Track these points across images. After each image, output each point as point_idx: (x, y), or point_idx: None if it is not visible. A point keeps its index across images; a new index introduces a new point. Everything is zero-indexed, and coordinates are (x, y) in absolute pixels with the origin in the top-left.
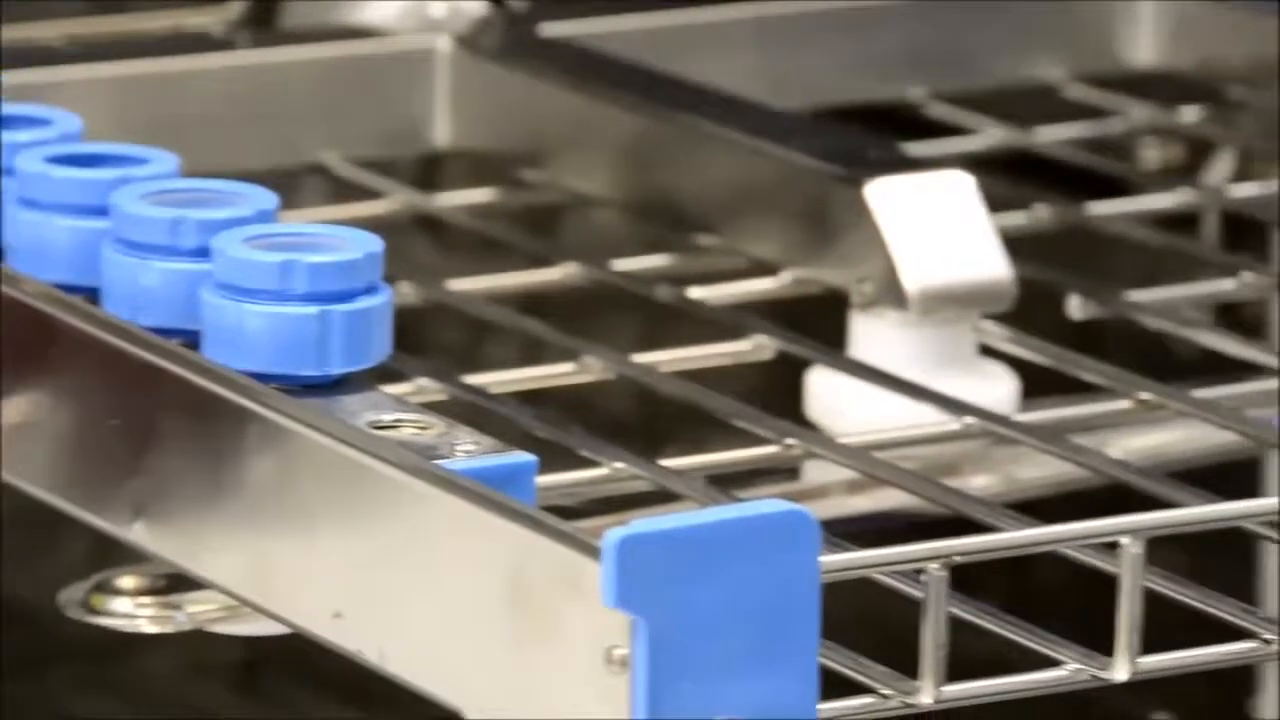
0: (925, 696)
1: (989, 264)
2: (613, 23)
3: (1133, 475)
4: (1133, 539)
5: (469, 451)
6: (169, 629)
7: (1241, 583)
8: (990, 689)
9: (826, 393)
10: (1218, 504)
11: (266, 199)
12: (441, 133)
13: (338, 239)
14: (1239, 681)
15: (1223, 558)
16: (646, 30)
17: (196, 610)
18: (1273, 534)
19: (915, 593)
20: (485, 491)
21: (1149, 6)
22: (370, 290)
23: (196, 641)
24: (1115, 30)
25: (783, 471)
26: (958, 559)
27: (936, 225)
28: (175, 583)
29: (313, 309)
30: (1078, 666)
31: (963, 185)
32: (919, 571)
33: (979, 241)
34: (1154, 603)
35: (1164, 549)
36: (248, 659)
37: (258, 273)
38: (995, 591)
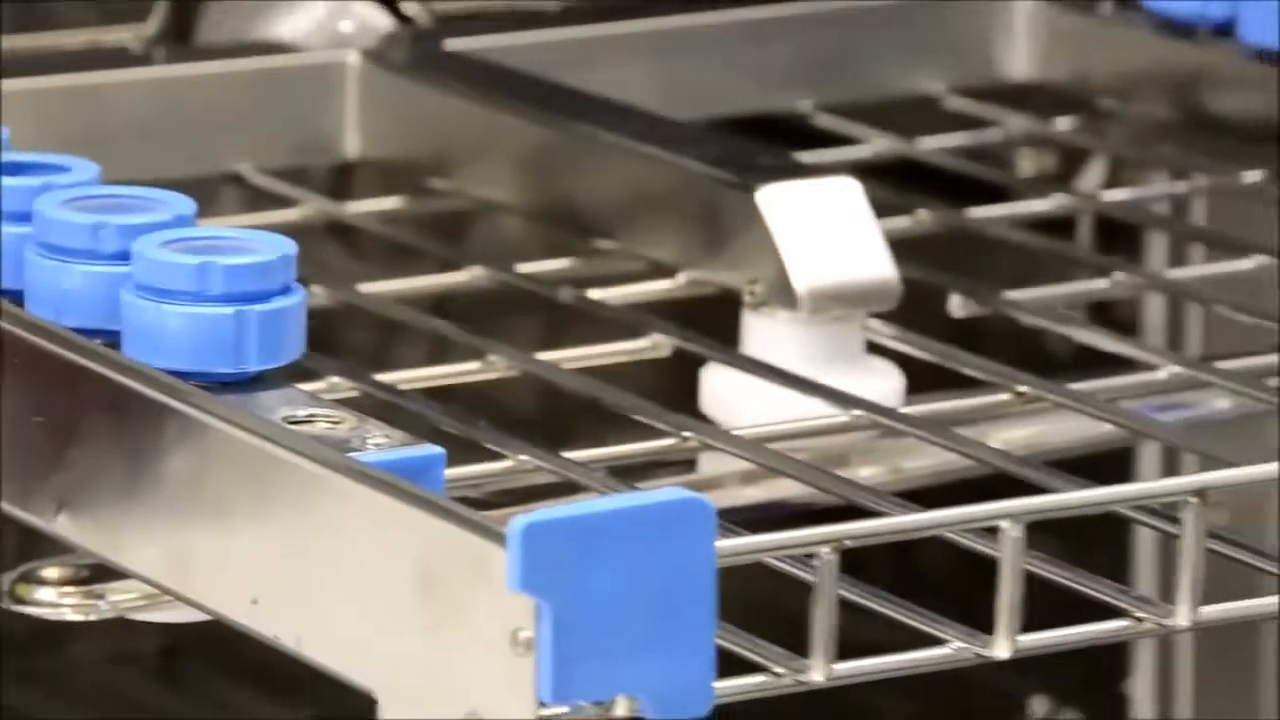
0: (816, 674)
1: (875, 265)
2: (515, 38)
3: (1012, 464)
4: (1012, 523)
5: (380, 445)
6: (92, 617)
7: (1117, 572)
8: (878, 666)
9: (721, 388)
10: (1092, 489)
11: (184, 204)
12: (351, 144)
13: (253, 242)
14: (1115, 664)
15: (1100, 547)
16: (547, 44)
17: (119, 599)
18: (1144, 517)
19: (807, 576)
20: (395, 482)
21: (1024, 22)
22: (285, 291)
23: (121, 631)
24: (992, 45)
25: (680, 463)
26: (848, 543)
27: (824, 228)
28: (98, 573)
29: (229, 309)
30: (961, 645)
31: (850, 190)
32: (811, 556)
33: (865, 244)
34: (1038, 591)
35: (1044, 538)
36: (170, 647)
37: (176, 275)
38: (886, 577)
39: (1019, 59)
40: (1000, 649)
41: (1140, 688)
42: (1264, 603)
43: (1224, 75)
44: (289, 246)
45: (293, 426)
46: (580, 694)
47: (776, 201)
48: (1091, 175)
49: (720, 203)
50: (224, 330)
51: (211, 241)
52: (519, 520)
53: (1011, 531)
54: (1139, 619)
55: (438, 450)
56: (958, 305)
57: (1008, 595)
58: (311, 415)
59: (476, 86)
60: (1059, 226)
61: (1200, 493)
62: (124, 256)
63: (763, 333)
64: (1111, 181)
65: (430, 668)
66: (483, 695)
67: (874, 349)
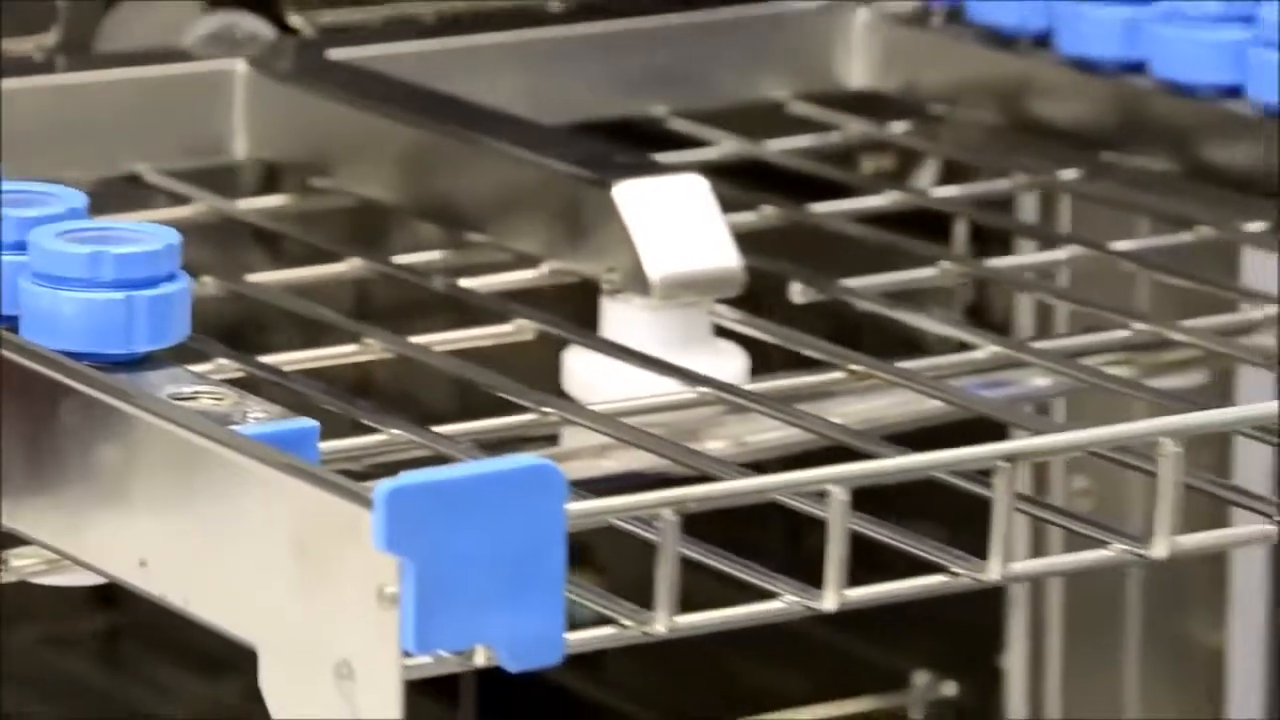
0: (660, 625)
1: (721, 255)
2: (393, 48)
3: (846, 435)
4: (840, 487)
5: (259, 419)
6: None
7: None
8: (717, 619)
9: (581, 369)
10: (912, 455)
11: (77, 198)
12: (240, 145)
13: (140, 233)
14: (990, 640)
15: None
16: (423, 54)
17: (21, 564)
18: (960, 482)
19: (653, 536)
20: (272, 452)
21: (861, 34)
22: (170, 278)
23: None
24: (832, 55)
25: (544, 438)
26: (691, 506)
27: (675, 222)
28: (2, 540)
29: (119, 295)
30: (794, 599)
31: (698, 187)
32: (655, 518)
33: (712, 236)
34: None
35: (924, 523)
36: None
37: (69, 263)
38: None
39: (856, 68)
40: (828, 602)
41: (1014, 661)
42: (1075, 559)
43: (1044, 83)
44: (174, 237)
45: (179, 402)
46: (441, 644)
47: (631, 197)
48: (925, 175)
49: (580, 199)
50: (115, 314)
51: (102, 232)
52: (384, 484)
53: (839, 495)
54: (955, 573)
55: (312, 424)
56: (797, 292)
57: (835, 554)
58: (196, 392)
59: (355, 92)
60: (911, 222)
61: (1010, 458)
62: (21, 247)
63: (619, 317)
64: (944, 180)
65: (305, 622)
66: (353, 646)
67: (721, 332)
